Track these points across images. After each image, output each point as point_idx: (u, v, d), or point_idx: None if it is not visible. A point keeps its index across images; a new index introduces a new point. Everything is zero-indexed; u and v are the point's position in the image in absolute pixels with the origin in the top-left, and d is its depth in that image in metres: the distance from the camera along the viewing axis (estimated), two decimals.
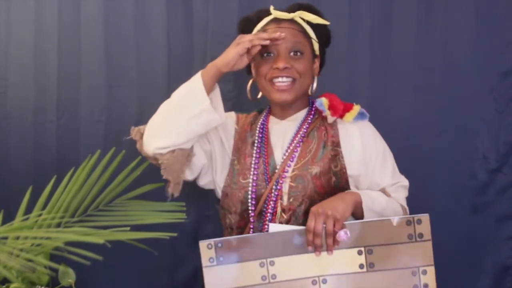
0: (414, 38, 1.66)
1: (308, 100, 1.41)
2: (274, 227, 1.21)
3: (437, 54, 1.65)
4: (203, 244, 1.17)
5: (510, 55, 1.64)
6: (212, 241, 1.17)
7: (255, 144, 1.35)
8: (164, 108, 1.31)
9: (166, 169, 1.30)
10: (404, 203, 1.36)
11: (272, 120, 1.40)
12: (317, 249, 1.17)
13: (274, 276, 1.17)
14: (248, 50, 1.26)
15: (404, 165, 1.41)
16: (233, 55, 1.25)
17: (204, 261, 1.16)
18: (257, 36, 1.27)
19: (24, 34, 1.76)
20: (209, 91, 1.27)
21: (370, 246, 1.18)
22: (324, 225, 1.16)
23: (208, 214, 1.72)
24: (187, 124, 1.27)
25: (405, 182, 1.39)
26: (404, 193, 1.38)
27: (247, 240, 1.19)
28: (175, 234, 1.07)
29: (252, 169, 1.32)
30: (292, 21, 1.32)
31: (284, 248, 1.17)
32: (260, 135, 1.37)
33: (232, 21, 1.66)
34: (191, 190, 1.71)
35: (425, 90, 1.66)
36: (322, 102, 1.33)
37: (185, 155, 1.31)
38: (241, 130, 1.40)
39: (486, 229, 1.67)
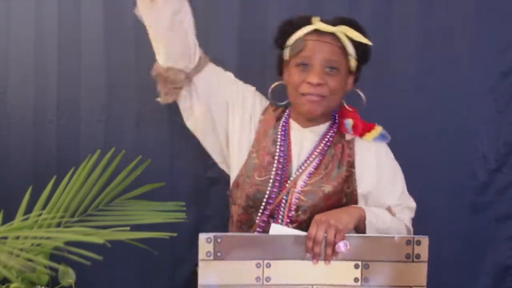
0: (414, 38, 1.66)
1: (331, 114, 1.40)
2: (275, 228, 1.22)
3: (437, 54, 1.65)
4: (202, 237, 1.17)
5: (510, 55, 1.63)
6: (212, 235, 1.17)
7: (278, 147, 1.34)
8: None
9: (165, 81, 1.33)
10: (409, 224, 1.36)
11: (293, 125, 1.38)
12: (315, 257, 1.17)
13: (268, 279, 1.17)
14: None
15: (404, 165, 1.41)
16: None
17: (201, 254, 1.16)
18: None
19: (24, 34, 1.76)
20: None
21: (368, 261, 1.18)
22: (325, 234, 1.16)
23: (208, 214, 1.72)
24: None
25: (412, 204, 1.39)
26: (409, 215, 1.37)
27: (247, 239, 1.19)
28: (175, 234, 1.07)
29: (273, 173, 1.31)
30: (333, 35, 1.30)
31: (282, 252, 1.17)
32: (283, 138, 1.36)
33: (232, 21, 1.67)
34: (191, 190, 1.71)
35: (425, 90, 1.66)
36: (350, 124, 1.34)
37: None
38: (265, 123, 1.39)
39: (486, 229, 1.67)
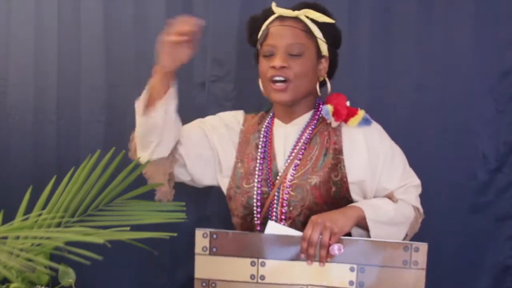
0: (414, 38, 1.65)
1: (314, 103, 1.38)
2: (272, 226, 1.22)
3: (437, 54, 1.65)
4: (199, 232, 1.20)
5: (510, 55, 1.63)
6: (208, 230, 1.19)
7: (259, 149, 1.34)
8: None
9: (150, 179, 1.35)
10: (417, 203, 1.34)
11: (277, 123, 1.38)
12: (309, 258, 1.16)
13: (262, 277, 1.18)
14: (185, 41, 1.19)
15: None
16: (163, 56, 1.22)
17: (197, 249, 1.20)
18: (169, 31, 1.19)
19: (24, 34, 1.76)
20: (161, 93, 1.26)
21: (364, 265, 1.16)
22: (320, 236, 1.15)
23: (208, 214, 1.72)
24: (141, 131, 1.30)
25: (416, 181, 1.36)
26: (415, 193, 1.35)
27: (243, 237, 1.20)
28: (175, 234, 1.07)
29: (256, 176, 1.31)
30: (296, 19, 1.30)
31: (277, 251, 1.17)
32: (264, 139, 1.35)
33: (232, 21, 1.67)
34: (191, 190, 1.71)
35: (426, 90, 1.66)
36: (328, 110, 1.31)
37: (167, 162, 1.33)
38: (246, 131, 1.39)
39: (486, 229, 1.67)
